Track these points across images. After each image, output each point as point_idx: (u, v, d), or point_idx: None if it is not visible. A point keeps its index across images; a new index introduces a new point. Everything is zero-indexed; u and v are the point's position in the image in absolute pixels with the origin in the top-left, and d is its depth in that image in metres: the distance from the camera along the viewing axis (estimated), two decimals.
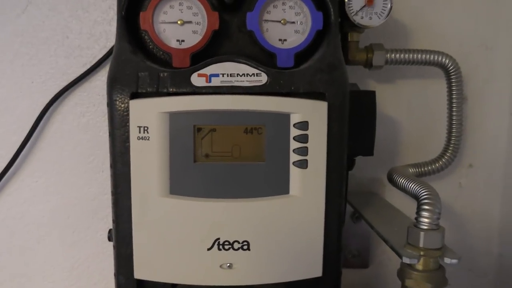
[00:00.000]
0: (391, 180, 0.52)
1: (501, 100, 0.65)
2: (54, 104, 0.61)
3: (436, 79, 0.63)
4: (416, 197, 0.44)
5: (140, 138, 0.42)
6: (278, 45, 0.46)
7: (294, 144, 0.42)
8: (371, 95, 0.49)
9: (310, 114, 0.42)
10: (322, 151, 0.42)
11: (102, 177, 0.63)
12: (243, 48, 0.48)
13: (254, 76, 0.44)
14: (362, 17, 0.50)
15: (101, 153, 0.63)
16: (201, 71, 0.44)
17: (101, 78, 0.62)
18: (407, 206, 0.55)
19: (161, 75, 0.43)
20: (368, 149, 0.49)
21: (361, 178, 0.64)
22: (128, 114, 0.42)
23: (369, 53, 0.55)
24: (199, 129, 0.43)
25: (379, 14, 0.50)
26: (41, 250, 0.64)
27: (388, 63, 0.56)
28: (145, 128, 0.42)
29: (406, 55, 0.56)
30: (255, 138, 0.43)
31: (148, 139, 0.42)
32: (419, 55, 0.57)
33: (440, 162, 0.61)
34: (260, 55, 0.47)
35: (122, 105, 0.42)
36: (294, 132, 0.42)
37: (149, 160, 0.42)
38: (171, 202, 0.42)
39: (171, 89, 0.43)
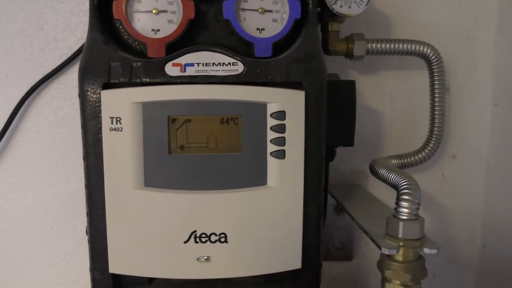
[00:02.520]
0: (373, 171, 0.52)
1: (483, 91, 0.65)
2: (30, 98, 0.59)
3: (419, 70, 0.62)
4: (395, 187, 0.44)
5: (112, 129, 0.41)
6: (256, 34, 0.46)
7: (271, 134, 0.42)
8: (351, 84, 0.48)
9: (287, 104, 0.41)
10: (299, 141, 0.42)
11: (81, 171, 0.61)
12: (220, 37, 0.47)
13: (230, 65, 0.43)
14: (341, 6, 0.50)
15: (80, 147, 0.60)
16: (175, 61, 0.43)
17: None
18: (390, 198, 0.54)
19: (134, 65, 0.42)
20: (348, 140, 0.48)
21: (344, 170, 0.64)
22: (100, 105, 0.41)
23: (349, 43, 0.55)
24: (173, 120, 0.42)
25: (359, 2, 0.50)
26: (19, 247, 0.62)
27: (369, 53, 0.56)
28: (118, 119, 0.41)
29: (387, 45, 0.56)
30: (231, 129, 0.42)
31: (120, 130, 0.41)
32: (401, 45, 0.56)
33: (423, 153, 0.60)
34: (237, 44, 0.46)
35: (94, 96, 0.41)
36: (271, 122, 0.42)
37: (122, 152, 0.41)
38: (146, 194, 0.41)
39: (145, 79, 0.42)
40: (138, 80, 0.42)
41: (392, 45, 0.56)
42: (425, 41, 0.57)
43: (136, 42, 0.46)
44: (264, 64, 0.43)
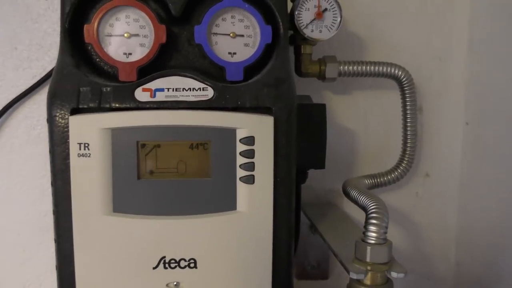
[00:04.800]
0: (345, 192, 0.52)
1: (456, 110, 0.66)
2: (3, 117, 0.59)
3: (391, 90, 0.63)
4: (364, 209, 0.45)
5: (80, 155, 0.40)
6: (227, 58, 0.46)
7: (240, 160, 0.42)
8: (321, 108, 0.49)
9: (256, 129, 0.42)
10: (269, 166, 0.42)
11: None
12: (193, 61, 0.48)
13: (200, 90, 0.43)
14: (312, 30, 0.50)
15: None
16: (145, 86, 0.43)
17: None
18: (363, 218, 0.55)
19: (104, 90, 0.42)
20: (319, 162, 0.49)
21: (318, 190, 0.64)
22: (68, 131, 0.41)
23: (322, 65, 0.56)
24: (143, 145, 0.42)
25: (329, 27, 0.51)
26: None
27: (341, 75, 0.57)
28: (86, 145, 0.40)
29: (359, 67, 0.57)
30: (201, 154, 0.42)
31: (89, 156, 0.40)
32: (372, 67, 0.57)
33: (396, 173, 0.61)
34: (210, 68, 0.47)
35: (62, 121, 0.41)
36: (240, 147, 0.42)
37: (90, 178, 0.41)
38: (114, 220, 0.41)
39: (114, 104, 0.42)
40: (108, 105, 0.42)
41: (364, 67, 0.57)
42: (397, 62, 0.58)
43: (108, 66, 0.46)
44: (234, 89, 0.43)
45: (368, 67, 0.57)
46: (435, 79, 0.66)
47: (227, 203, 0.42)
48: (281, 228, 0.43)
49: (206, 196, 0.42)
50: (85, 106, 0.41)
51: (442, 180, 0.67)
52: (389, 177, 0.61)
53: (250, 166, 0.42)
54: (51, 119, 0.41)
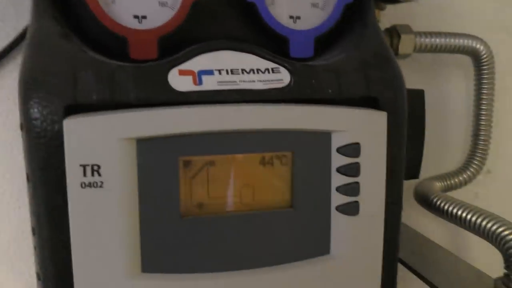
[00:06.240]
0: (427, 203, 0.39)
1: None
2: None
3: (455, 69, 0.51)
4: (494, 239, 0.32)
5: (86, 186, 0.24)
6: (290, 24, 0.31)
7: (338, 179, 0.27)
8: (420, 95, 0.35)
9: (363, 132, 0.27)
10: (380, 187, 0.28)
11: (19, 215, 0.43)
12: (232, 30, 0.32)
13: (269, 73, 0.28)
14: None
15: (16, 182, 0.43)
16: (183, 66, 0.27)
17: (10, 75, 0.42)
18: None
19: (117, 73, 0.26)
20: (414, 171, 0.35)
21: None
22: (61, 145, 0.24)
23: (393, 37, 0.42)
24: (186, 163, 0.26)
25: None
26: None
27: (416, 50, 0.43)
28: (95, 168, 0.24)
29: (438, 40, 0.43)
30: (277, 173, 0.27)
31: (100, 186, 0.24)
32: (452, 40, 0.44)
33: (468, 172, 0.49)
34: (257, 41, 0.31)
35: (49, 128, 0.24)
36: (338, 160, 0.27)
37: (103, 222, 0.24)
38: (145, 285, 0.25)
39: (137, 98, 0.26)
40: (126, 100, 0.25)
41: (443, 40, 0.43)
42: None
43: (109, 36, 0.29)
44: (319, 71, 0.28)
45: (448, 40, 0.44)
46: (500, 56, 0.54)
47: (317, 245, 0.28)
48: (388, 278, 0.29)
49: (285, 236, 0.27)
50: (88, 102, 0.25)
51: (505, 177, 0.57)
52: (460, 178, 0.49)
53: (353, 189, 0.27)
54: (28, 125, 0.24)
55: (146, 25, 0.29)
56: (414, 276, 0.37)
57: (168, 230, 0.26)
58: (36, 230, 0.25)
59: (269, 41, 0.31)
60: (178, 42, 0.29)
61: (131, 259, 0.25)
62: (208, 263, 0.26)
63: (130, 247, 0.25)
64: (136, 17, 0.29)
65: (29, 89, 0.25)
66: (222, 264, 0.26)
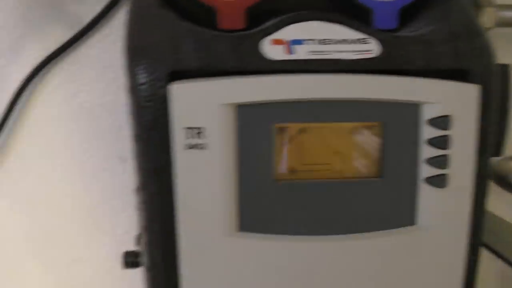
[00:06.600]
0: (506, 183, 0.39)
1: None
2: (33, 82, 0.44)
3: None
4: None
5: (191, 147, 0.26)
6: None
7: (427, 151, 0.28)
8: (505, 70, 0.34)
9: (454, 104, 0.27)
10: (469, 161, 0.28)
11: (104, 178, 0.47)
12: (314, 1, 0.32)
13: (358, 43, 0.28)
14: None
15: (103, 146, 0.46)
16: (274, 36, 0.28)
17: (96, 44, 0.44)
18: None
19: (214, 42, 0.27)
20: (496, 148, 0.35)
21: None
22: (166, 108, 0.26)
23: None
24: (281, 130, 0.27)
25: None
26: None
27: (497, 24, 0.41)
28: (199, 131, 0.26)
29: None
30: (367, 143, 0.28)
31: (204, 148, 0.26)
32: None
33: None
34: (339, 12, 0.31)
35: (155, 93, 0.26)
36: (428, 132, 0.27)
37: (206, 181, 0.26)
38: (243, 243, 0.27)
39: (233, 66, 0.27)
40: (224, 67, 0.27)
41: None
42: None
43: (197, 6, 0.30)
44: (408, 41, 0.28)
45: None
46: None
47: (404, 215, 0.28)
48: (473, 251, 0.30)
49: (373, 205, 0.28)
50: (189, 68, 0.26)
51: None
52: None
53: (442, 161, 0.28)
54: (135, 89, 0.26)
55: None
56: (491, 256, 0.37)
57: (263, 192, 0.27)
58: (141, 188, 0.27)
59: (351, 12, 0.31)
60: (262, 12, 0.30)
61: (229, 219, 0.27)
62: (299, 226, 0.28)
63: (228, 206, 0.27)
64: None
65: (136, 56, 0.27)
66: (312, 227, 0.28)
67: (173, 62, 0.26)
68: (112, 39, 0.43)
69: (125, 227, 0.47)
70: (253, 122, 0.26)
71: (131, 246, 0.36)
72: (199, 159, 0.26)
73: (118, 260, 0.37)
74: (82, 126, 0.45)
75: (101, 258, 0.48)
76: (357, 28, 0.29)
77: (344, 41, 0.28)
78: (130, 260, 0.36)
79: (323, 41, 0.28)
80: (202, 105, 0.26)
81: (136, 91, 0.26)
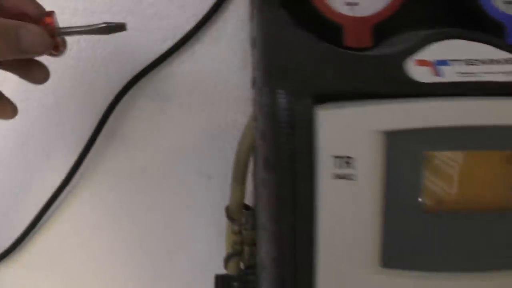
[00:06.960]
0: None
1: None
2: (124, 99, 0.43)
3: None
4: None
5: (340, 177, 0.24)
6: (503, 9, 0.28)
7: None
8: None
9: None
10: None
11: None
12: (439, 16, 0.30)
13: (504, 63, 0.26)
14: None
15: (220, 165, 0.44)
16: (417, 56, 0.26)
17: (189, 59, 0.43)
18: None
19: (356, 63, 0.25)
20: None
21: None
22: (311, 134, 0.24)
23: None
24: (430, 158, 0.25)
25: None
26: None
27: None
28: (348, 160, 0.24)
29: None
30: None
31: (353, 179, 0.24)
32: None
33: None
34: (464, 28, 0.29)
35: (301, 118, 0.24)
36: None
37: (351, 213, 0.24)
38: (386, 280, 0.25)
39: (379, 88, 0.25)
40: (367, 90, 0.25)
41: None
42: None
43: (323, 24, 0.28)
44: None
45: None
46: None
47: None
48: None
49: None
50: (335, 92, 0.25)
51: None
52: None
53: None
54: (275, 114, 0.25)
55: (358, 12, 0.28)
56: None
57: (410, 225, 0.25)
58: (275, 220, 0.26)
59: (476, 26, 0.28)
60: (386, 29, 0.28)
61: (371, 252, 0.25)
62: (447, 262, 0.25)
63: (372, 240, 0.25)
64: (349, 4, 0.28)
65: (276, 80, 0.25)
66: (461, 264, 0.25)
67: (318, 85, 0.25)
68: None
69: None
70: (402, 150, 0.24)
71: None
72: (346, 189, 0.24)
73: None
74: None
75: None
76: (504, 48, 0.26)
77: (492, 62, 0.26)
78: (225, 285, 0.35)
79: (469, 62, 0.26)
80: (351, 132, 0.24)
81: (277, 116, 0.25)
